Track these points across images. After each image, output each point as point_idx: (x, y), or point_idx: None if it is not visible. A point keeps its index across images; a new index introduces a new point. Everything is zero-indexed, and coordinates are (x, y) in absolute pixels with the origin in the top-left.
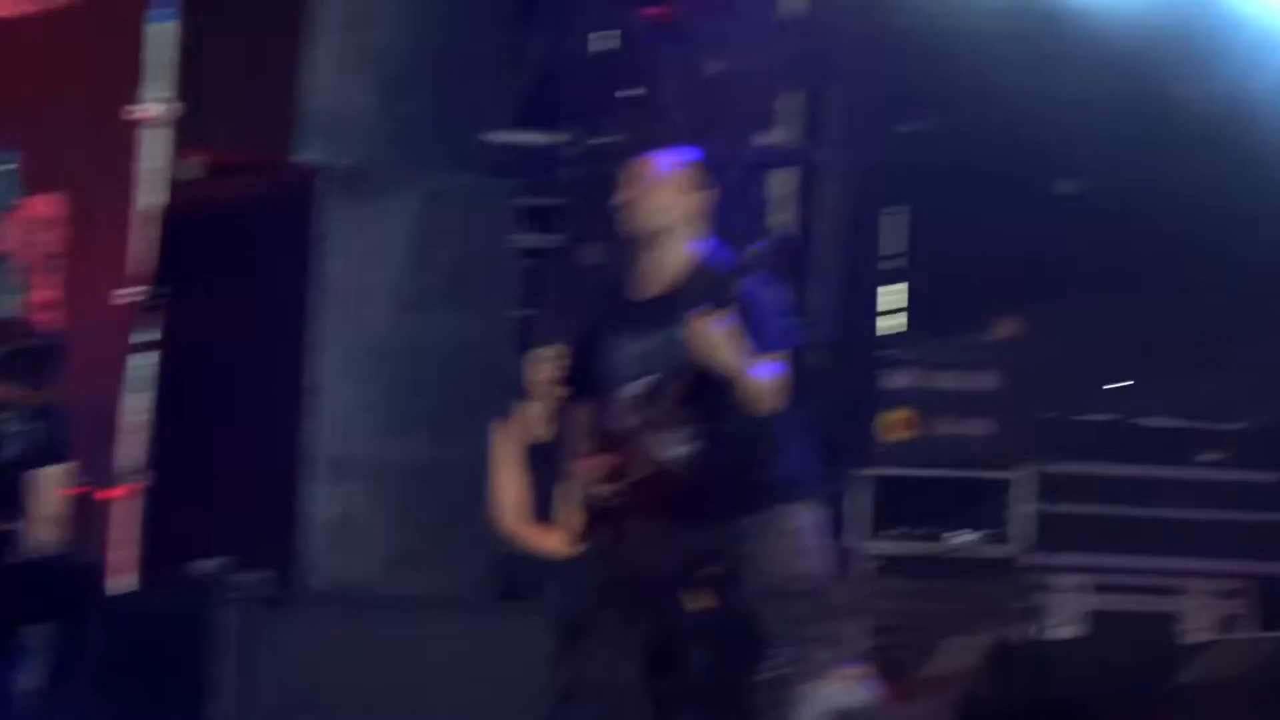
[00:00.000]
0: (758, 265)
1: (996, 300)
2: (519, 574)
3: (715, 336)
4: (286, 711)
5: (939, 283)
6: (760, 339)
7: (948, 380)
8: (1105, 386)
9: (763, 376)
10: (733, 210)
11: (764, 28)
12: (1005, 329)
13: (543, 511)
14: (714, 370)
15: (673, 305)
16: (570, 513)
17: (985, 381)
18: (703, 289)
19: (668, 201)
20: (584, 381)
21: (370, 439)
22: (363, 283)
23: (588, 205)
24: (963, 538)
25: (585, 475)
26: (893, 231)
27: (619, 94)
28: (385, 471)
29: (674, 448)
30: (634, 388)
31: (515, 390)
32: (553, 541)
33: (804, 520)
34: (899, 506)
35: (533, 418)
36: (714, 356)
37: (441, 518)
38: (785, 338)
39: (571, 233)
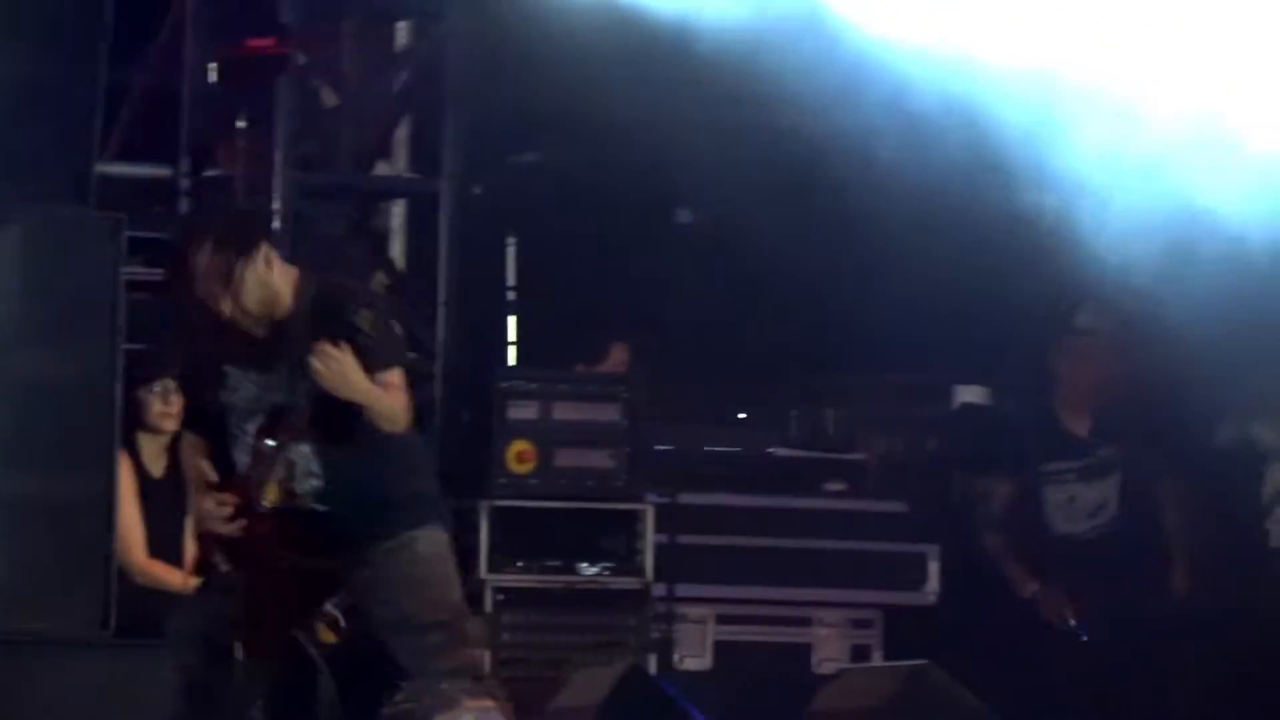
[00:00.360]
0: (372, 293)
1: (611, 331)
2: (139, 612)
3: (343, 363)
4: None
5: (553, 314)
6: (379, 355)
7: (568, 411)
8: (725, 417)
9: (388, 399)
10: (348, 242)
11: (378, 58)
12: (617, 359)
13: (171, 547)
14: (340, 397)
15: (289, 335)
16: (192, 548)
17: (605, 413)
18: (323, 318)
19: (263, 279)
20: (200, 414)
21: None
22: None
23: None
24: (589, 569)
25: (205, 510)
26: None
27: (231, 125)
28: (9, 507)
29: (302, 478)
30: (255, 419)
31: (128, 425)
32: (176, 578)
33: (432, 546)
34: (523, 538)
35: (146, 452)
36: (343, 383)
37: (54, 555)
38: (400, 354)
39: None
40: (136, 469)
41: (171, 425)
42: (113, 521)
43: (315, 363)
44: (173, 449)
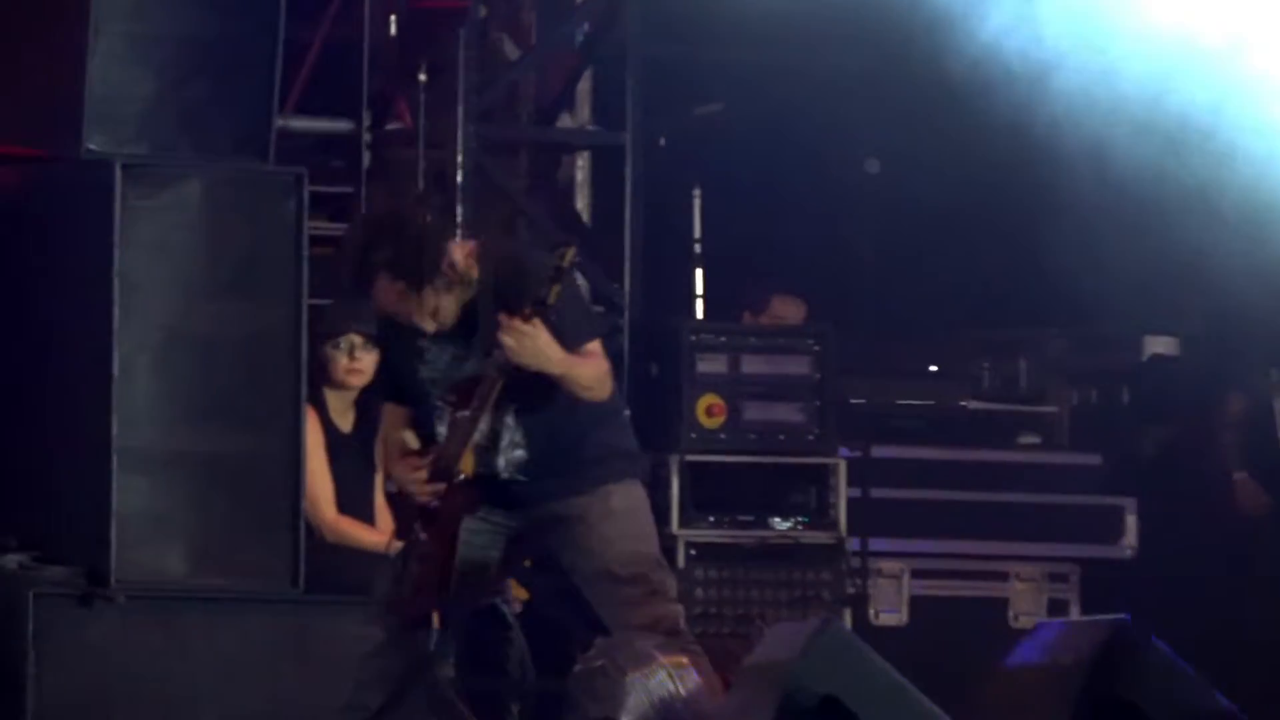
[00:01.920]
0: (565, 261)
1: (783, 281)
2: (328, 567)
3: (535, 338)
4: (91, 709)
5: (740, 266)
6: (575, 330)
7: (757, 365)
8: (917, 370)
9: (588, 368)
10: (531, 198)
11: (558, 10)
12: (779, 312)
13: (360, 503)
14: (536, 368)
15: (478, 308)
16: (384, 507)
17: (795, 366)
18: (509, 294)
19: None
20: (400, 386)
21: (170, 430)
22: (154, 274)
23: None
24: (781, 524)
25: (403, 476)
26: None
27: (412, 79)
28: (186, 463)
29: (505, 449)
30: (452, 391)
31: (314, 381)
32: (372, 536)
33: (629, 500)
34: (714, 492)
35: (334, 408)
36: (538, 357)
37: (243, 511)
38: (596, 326)
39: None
40: (324, 425)
41: (358, 381)
42: (300, 477)
43: (506, 339)
44: (360, 404)
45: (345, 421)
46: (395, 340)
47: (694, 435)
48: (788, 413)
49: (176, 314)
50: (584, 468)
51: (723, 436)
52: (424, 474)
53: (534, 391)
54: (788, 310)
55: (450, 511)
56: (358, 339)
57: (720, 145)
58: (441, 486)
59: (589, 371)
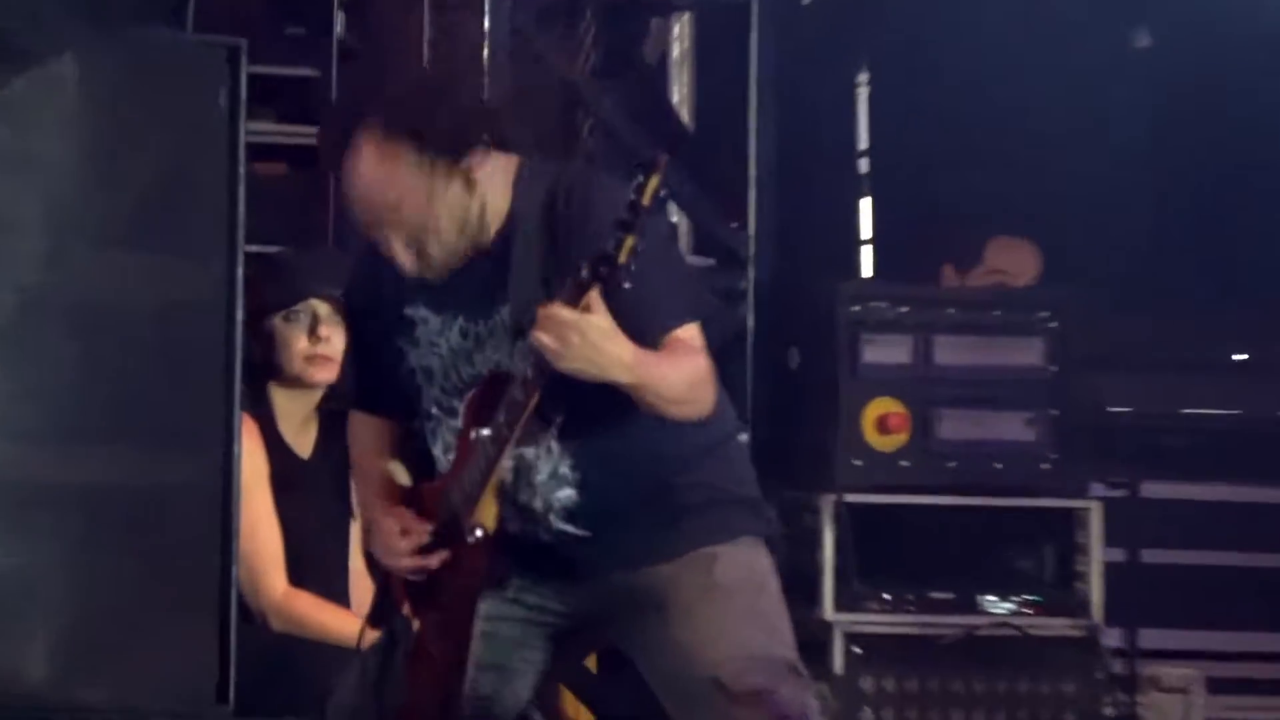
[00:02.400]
0: (646, 195)
1: (993, 224)
2: (275, 673)
3: (587, 332)
4: None
5: (928, 202)
6: (657, 307)
7: (959, 351)
8: (1212, 361)
9: (676, 371)
10: (603, 87)
11: None
12: (999, 263)
13: (327, 569)
14: (595, 378)
15: (510, 263)
16: (364, 579)
17: (1021, 353)
18: (568, 238)
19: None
20: (369, 371)
21: (28, 452)
22: (7, 206)
23: (359, 78)
24: (999, 605)
25: (386, 538)
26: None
27: None
28: (54, 505)
29: (544, 489)
30: (462, 391)
31: (255, 373)
32: (342, 620)
33: (740, 569)
34: (891, 554)
35: (286, 418)
36: (593, 360)
37: (143, 581)
38: (693, 301)
39: (336, 123)
40: (269, 445)
41: (324, 374)
42: (232, 528)
43: (544, 339)
44: (327, 413)
45: (303, 439)
46: (371, 303)
47: (858, 463)
48: (1009, 427)
49: (41, 271)
50: (673, 519)
51: (905, 465)
52: (416, 537)
53: (590, 399)
54: (1011, 260)
55: (461, 587)
56: (324, 307)
57: (900, 8)
58: (443, 554)
59: (679, 376)
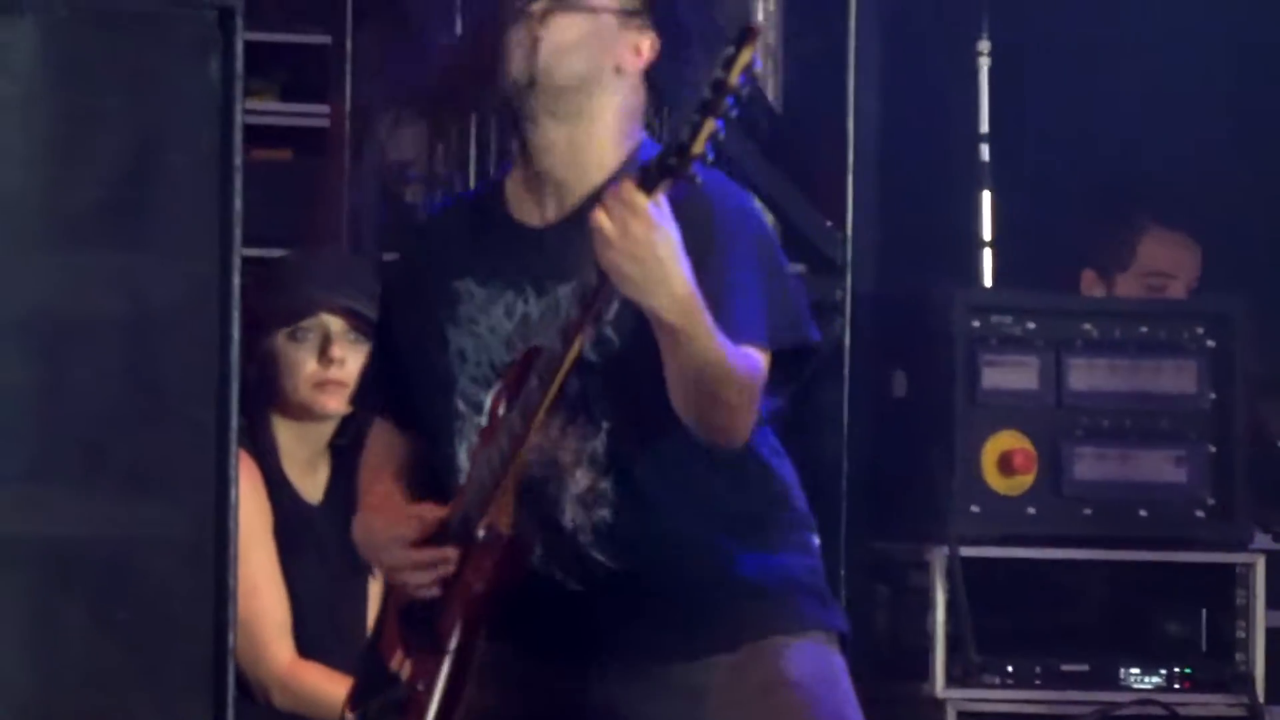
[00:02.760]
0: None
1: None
2: None
3: (652, 227)
4: None
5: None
6: (742, 319)
7: (1100, 375)
8: None
9: (727, 351)
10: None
11: None
12: (1183, 261)
13: (342, 634)
14: (647, 304)
15: (583, 237)
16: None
17: (1172, 379)
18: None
19: (586, 40)
20: (400, 382)
21: None
22: None
23: (383, 47)
24: (1145, 680)
25: (380, 532)
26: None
27: None
28: (13, 561)
29: (582, 500)
30: (491, 386)
31: (253, 401)
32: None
33: (820, 664)
34: (1015, 618)
35: (291, 457)
36: (649, 270)
37: (122, 652)
38: (778, 317)
39: (355, 96)
40: (273, 489)
41: (337, 404)
42: (229, 587)
43: (600, 219)
44: (341, 449)
45: (311, 482)
46: (417, 279)
47: (976, 510)
48: (1156, 466)
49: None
50: (732, 592)
51: (1032, 512)
52: (421, 530)
53: (652, 410)
54: (1171, 259)
55: (462, 599)
56: (336, 323)
57: None
58: (450, 557)
59: (732, 361)
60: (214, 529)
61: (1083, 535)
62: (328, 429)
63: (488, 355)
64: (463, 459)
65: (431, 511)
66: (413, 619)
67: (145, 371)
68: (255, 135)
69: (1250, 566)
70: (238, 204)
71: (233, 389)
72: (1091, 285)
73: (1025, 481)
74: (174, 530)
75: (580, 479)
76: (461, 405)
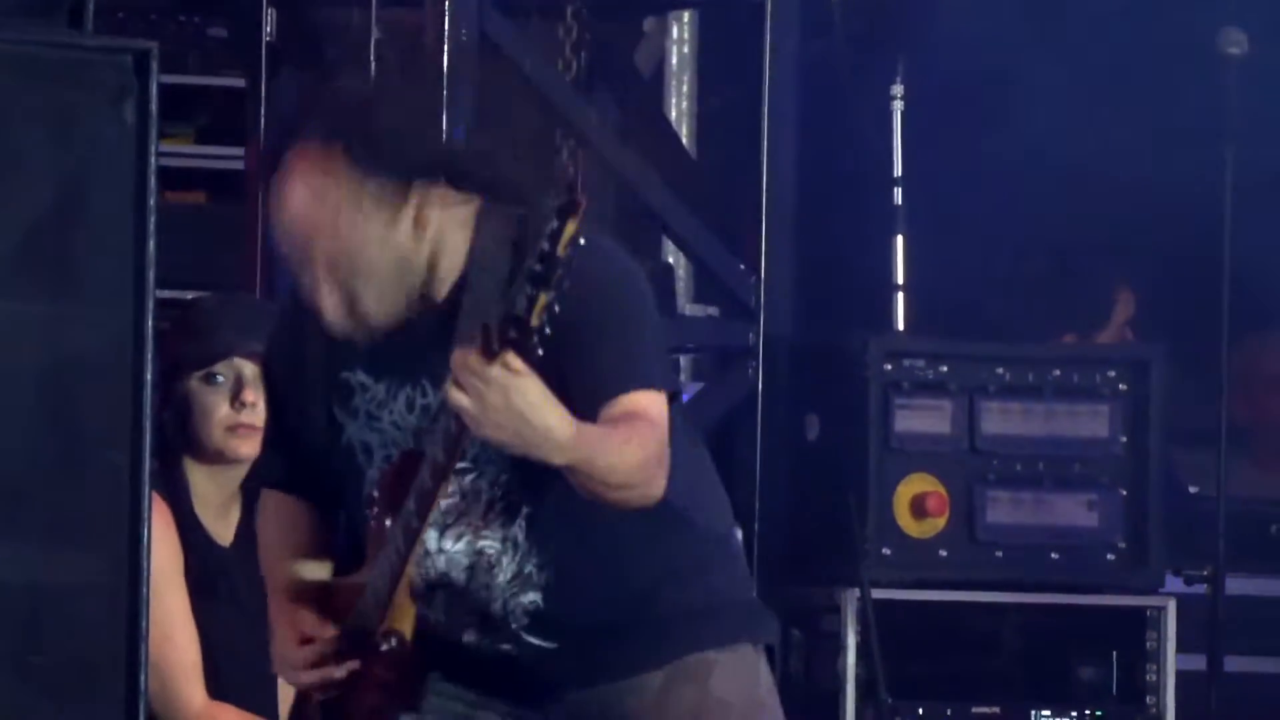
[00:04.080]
0: (565, 236)
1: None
2: None
3: (508, 387)
4: None
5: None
6: (599, 370)
7: (1010, 420)
8: None
9: (616, 444)
10: (588, 99)
11: None
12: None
13: (253, 676)
14: (516, 450)
15: (467, 313)
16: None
17: (1083, 422)
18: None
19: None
20: (290, 440)
21: None
22: None
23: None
24: None
25: (284, 649)
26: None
27: None
28: None
29: (499, 589)
30: (388, 470)
31: (166, 446)
32: None
33: (736, 678)
34: (924, 661)
35: (204, 500)
36: (509, 426)
37: (35, 698)
38: (649, 362)
39: (270, 140)
40: (184, 532)
41: (250, 448)
42: (139, 635)
43: (456, 396)
44: (254, 495)
45: (223, 525)
46: (297, 361)
47: (888, 553)
48: (1069, 511)
49: None
50: (660, 628)
51: (944, 555)
52: (318, 645)
53: (566, 486)
54: (1132, 307)
55: (370, 709)
56: (249, 368)
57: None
58: (336, 679)
59: (626, 455)
60: (128, 572)
61: (995, 579)
62: (240, 472)
63: (397, 449)
64: (369, 551)
65: (325, 630)
66: (331, 714)
67: (62, 416)
68: (171, 178)
69: (1161, 610)
70: (152, 247)
71: (146, 433)
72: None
73: (938, 524)
74: (86, 575)
75: (506, 566)
76: (376, 493)
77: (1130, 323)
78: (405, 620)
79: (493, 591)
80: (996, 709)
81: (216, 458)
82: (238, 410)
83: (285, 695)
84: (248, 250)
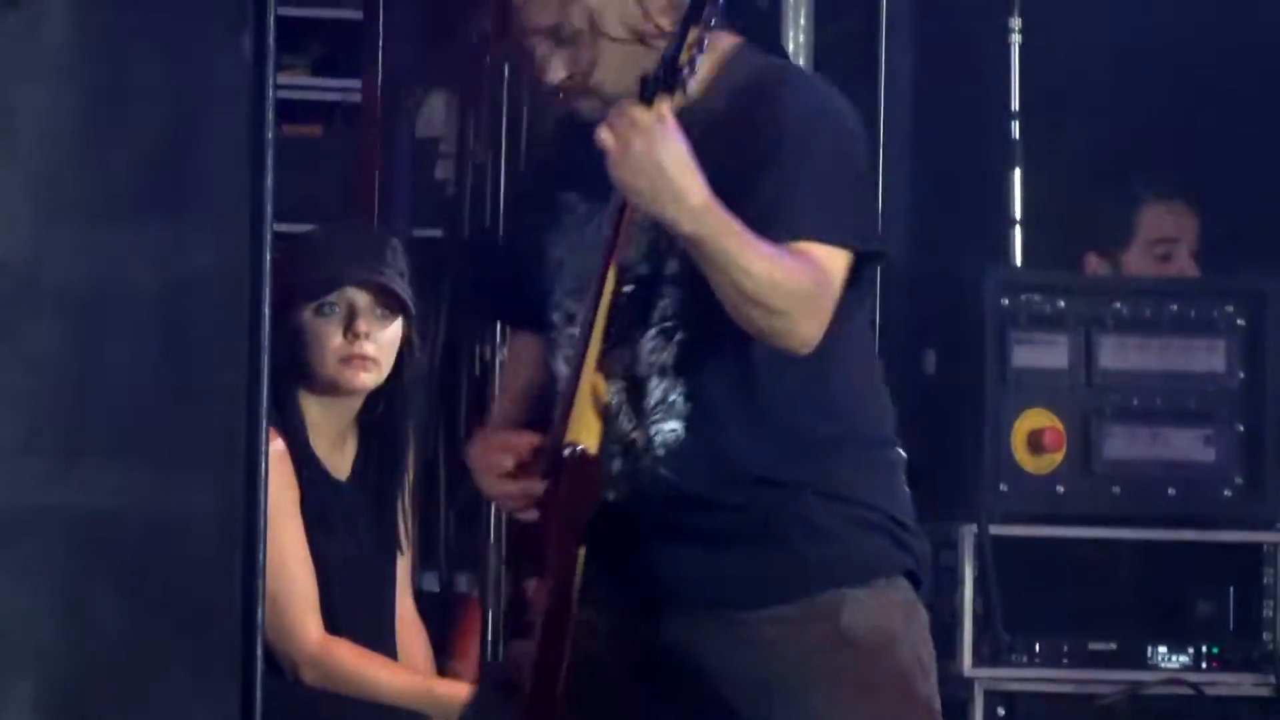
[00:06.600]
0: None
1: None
2: None
3: (651, 135)
4: None
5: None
6: (781, 211)
7: (1126, 354)
8: None
9: (762, 255)
10: None
11: None
12: (1183, 229)
13: (373, 614)
14: (653, 210)
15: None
16: (419, 624)
17: (1201, 357)
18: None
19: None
20: (511, 289)
21: (24, 473)
22: None
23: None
24: (1174, 659)
25: (476, 455)
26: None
27: None
28: (37, 534)
29: (653, 413)
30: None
31: (281, 377)
32: (391, 674)
33: (876, 619)
34: (1044, 598)
35: (320, 433)
36: (646, 181)
37: (146, 628)
38: (836, 214)
39: (387, 71)
40: (301, 466)
41: (363, 379)
42: (255, 566)
43: (603, 135)
44: (369, 424)
45: (339, 458)
46: (532, 187)
47: (1005, 488)
48: (1186, 445)
49: (23, 248)
50: (789, 547)
51: (1061, 491)
52: (514, 453)
53: (725, 320)
54: (1171, 223)
55: (558, 521)
56: (363, 297)
57: None
58: (530, 490)
59: (769, 266)
60: (243, 504)
61: (1111, 514)
62: (355, 404)
63: (584, 268)
64: (560, 367)
65: (524, 440)
66: (525, 543)
67: (176, 345)
68: (286, 110)
69: (1278, 546)
70: (269, 179)
71: (263, 363)
72: (1096, 268)
73: (1055, 460)
74: (202, 504)
75: (652, 392)
76: (556, 317)
77: (1194, 251)
78: (588, 432)
79: (641, 418)
80: (1113, 644)
81: (331, 389)
82: (351, 341)
83: (406, 634)
84: (364, 183)
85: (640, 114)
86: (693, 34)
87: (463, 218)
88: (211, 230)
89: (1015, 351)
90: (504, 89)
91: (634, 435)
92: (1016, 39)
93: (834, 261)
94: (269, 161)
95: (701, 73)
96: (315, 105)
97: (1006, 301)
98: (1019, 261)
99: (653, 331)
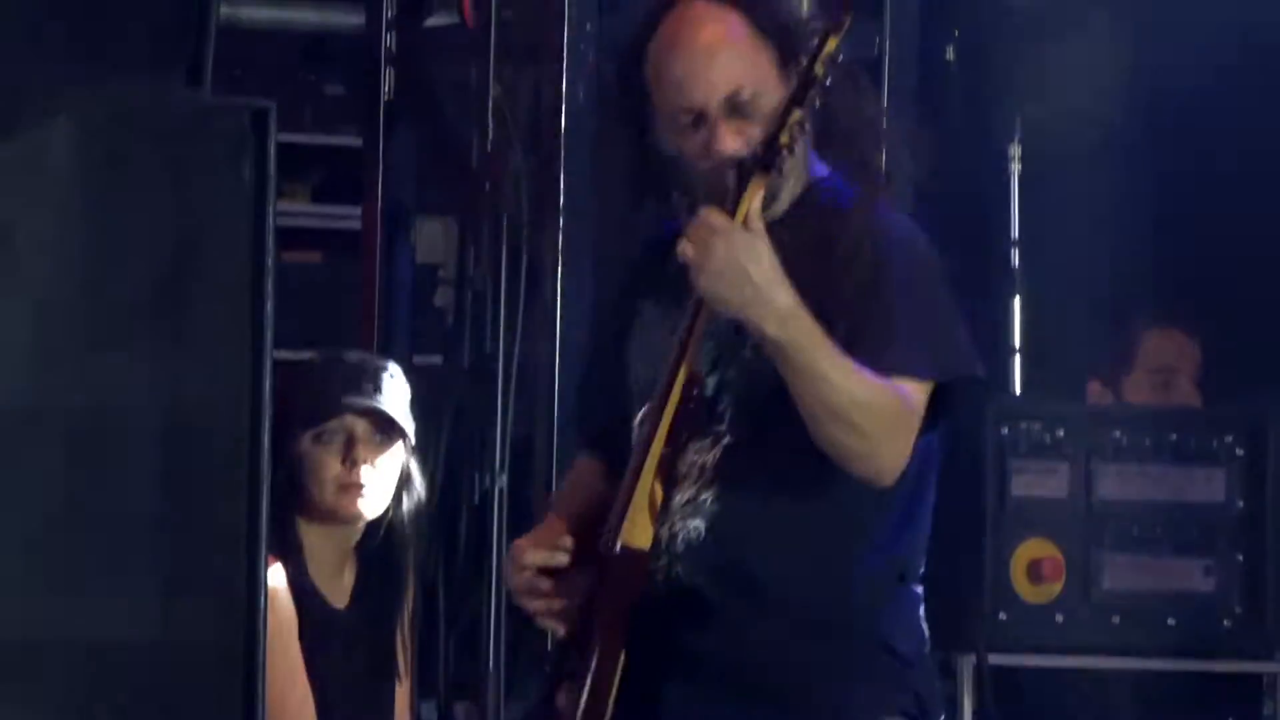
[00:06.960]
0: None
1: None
2: None
3: (733, 242)
4: None
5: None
6: (873, 343)
7: (1127, 483)
8: None
9: (848, 372)
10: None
11: None
12: (1184, 356)
13: None
14: (738, 316)
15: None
16: None
17: (1200, 486)
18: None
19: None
20: (593, 399)
21: (25, 605)
22: None
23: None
24: None
25: (512, 558)
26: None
27: None
28: (55, 664)
29: (676, 515)
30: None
31: (281, 506)
32: None
33: None
34: None
35: (318, 560)
36: (730, 287)
37: None
38: (938, 361)
39: (387, 198)
40: (297, 593)
41: (360, 507)
42: (256, 696)
43: (684, 247)
44: (368, 555)
45: (337, 587)
46: (621, 297)
47: (1004, 617)
48: (1185, 575)
49: (24, 378)
50: (828, 662)
51: (1060, 620)
52: (546, 552)
53: (774, 408)
54: (1172, 351)
55: (605, 609)
56: (361, 425)
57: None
58: (544, 589)
59: (855, 384)
60: (244, 634)
61: (1111, 644)
62: (354, 532)
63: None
64: None
65: (564, 539)
66: (564, 648)
67: (177, 472)
68: (286, 237)
69: (1278, 676)
70: (269, 306)
71: (263, 491)
72: (1100, 395)
73: (1054, 589)
74: (204, 634)
75: (686, 490)
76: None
77: (1197, 379)
78: (643, 536)
79: (669, 511)
80: None
81: (329, 517)
82: (349, 468)
83: None
84: (363, 310)
85: (718, 219)
86: (796, 115)
87: (463, 345)
88: (211, 357)
89: (1014, 480)
90: (503, 217)
91: (659, 531)
92: (1016, 167)
93: (921, 395)
94: (269, 288)
95: (788, 190)
96: (315, 232)
97: (1006, 430)
98: (1018, 390)
99: (705, 434)
